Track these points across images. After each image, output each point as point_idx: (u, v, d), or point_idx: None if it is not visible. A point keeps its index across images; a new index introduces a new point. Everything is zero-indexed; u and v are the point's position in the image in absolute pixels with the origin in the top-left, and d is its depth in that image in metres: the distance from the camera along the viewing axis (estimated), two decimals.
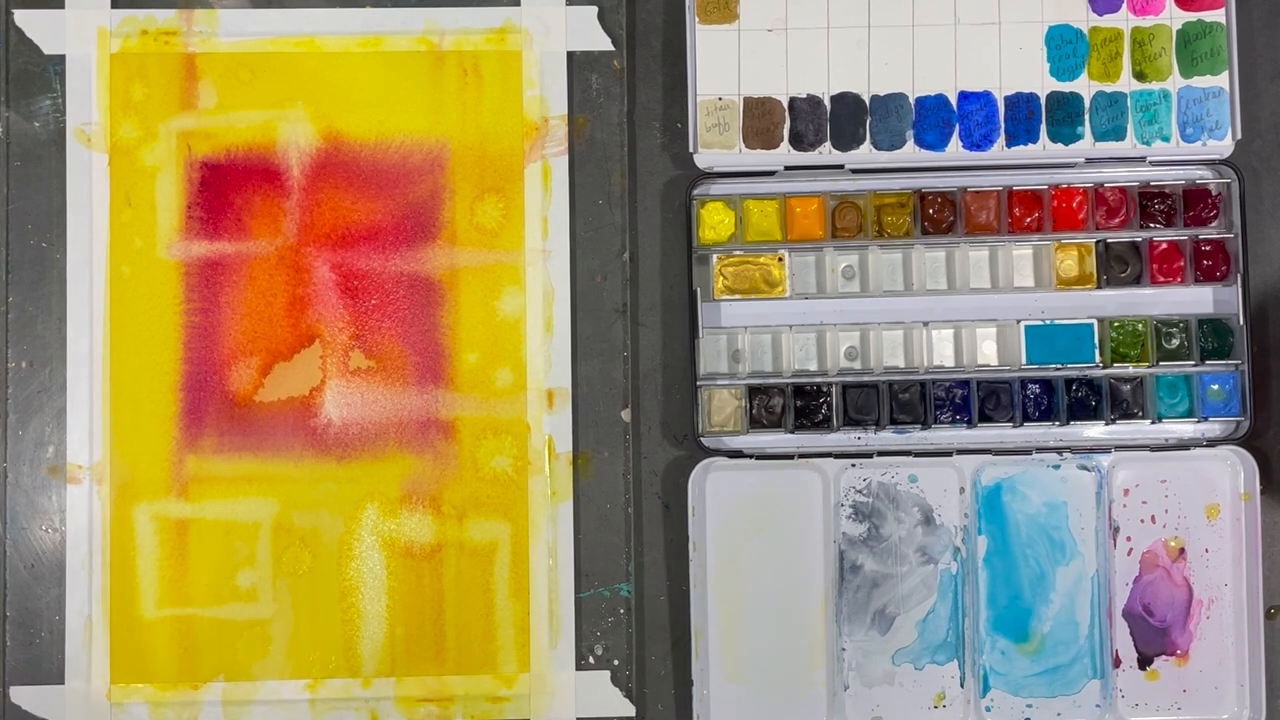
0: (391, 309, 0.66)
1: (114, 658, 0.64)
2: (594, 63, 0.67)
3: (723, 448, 0.65)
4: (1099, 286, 0.66)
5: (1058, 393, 0.66)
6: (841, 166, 0.66)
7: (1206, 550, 0.66)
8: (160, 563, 0.64)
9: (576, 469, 0.65)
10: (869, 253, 0.66)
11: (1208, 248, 0.66)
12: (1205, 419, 0.66)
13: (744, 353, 0.66)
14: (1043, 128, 0.66)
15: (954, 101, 0.66)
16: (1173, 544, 0.66)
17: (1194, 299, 0.67)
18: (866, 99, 0.66)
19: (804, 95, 0.66)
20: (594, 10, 0.66)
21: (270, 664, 0.64)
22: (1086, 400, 0.66)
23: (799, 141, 0.66)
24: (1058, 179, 0.66)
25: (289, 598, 0.65)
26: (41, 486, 0.64)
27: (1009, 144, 0.66)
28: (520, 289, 0.66)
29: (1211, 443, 0.66)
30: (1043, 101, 0.66)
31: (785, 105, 0.66)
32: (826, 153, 0.66)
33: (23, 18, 0.65)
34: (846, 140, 0.66)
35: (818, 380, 0.66)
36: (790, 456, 0.66)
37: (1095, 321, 0.66)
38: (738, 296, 0.66)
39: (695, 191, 0.66)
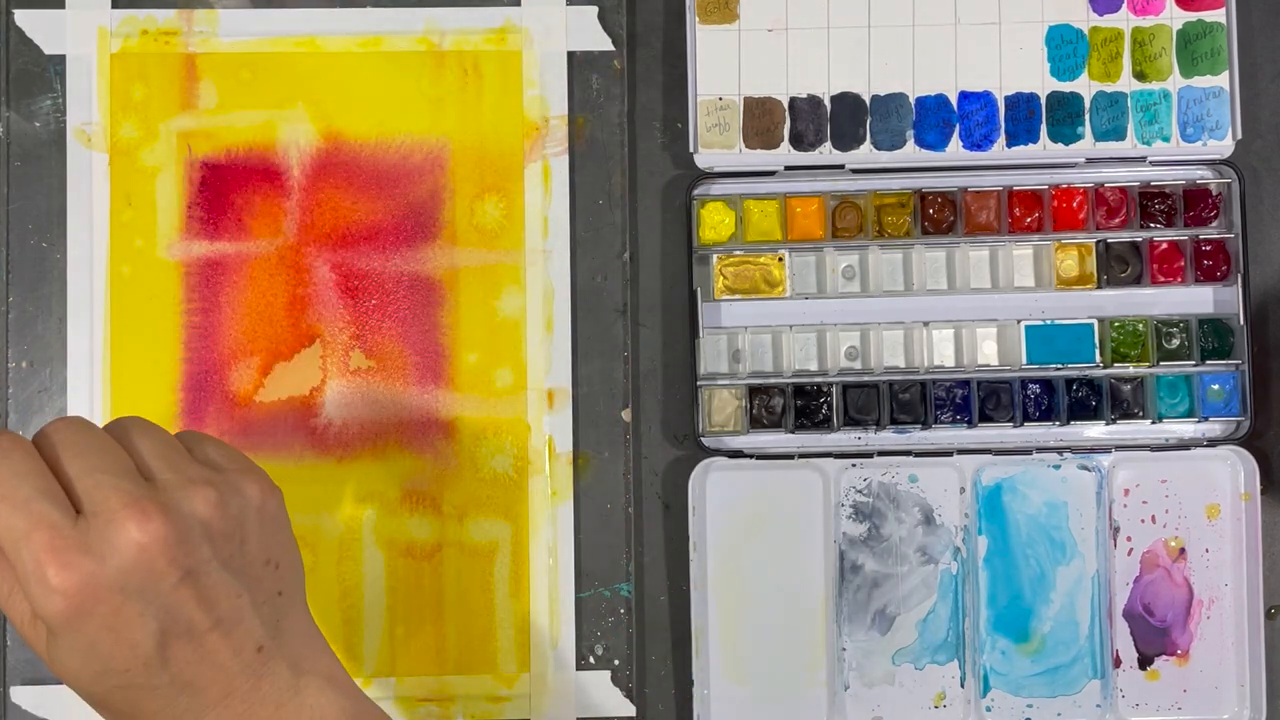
0: (392, 309, 0.66)
1: None
2: (594, 63, 0.67)
3: (723, 448, 0.65)
4: (1099, 286, 0.66)
5: (1058, 393, 0.66)
6: (842, 166, 0.66)
7: (1207, 550, 0.66)
8: None
9: (577, 469, 0.65)
10: (869, 253, 0.66)
11: (1208, 248, 0.66)
12: (1205, 419, 0.66)
13: (744, 353, 0.66)
14: (1043, 128, 0.66)
15: (954, 101, 0.66)
16: (1173, 544, 0.66)
17: (1194, 299, 0.67)
18: (866, 99, 0.66)
19: (804, 95, 0.66)
20: (594, 10, 0.66)
21: None
22: (1087, 400, 0.66)
23: (799, 141, 0.66)
24: (1058, 179, 0.66)
25: None
26: None
27: (1009, 144, 0.66)
28: (520, 289, 0.66)
29: (1212, 443, 0.66)
30: (1043, 101, 0.66)
31: (785, 105, 0.66)
32: (827, 153, 0.66)
33: (23, 18, 0.65)
34: (847, 140, 0.66)
35: (818, 380, 0.66)
36: (790, 456, 0.66)
37: (1095, 321, 0.66)
38: (738, 296, 0.66)
39: (695, 191, 0.66)
